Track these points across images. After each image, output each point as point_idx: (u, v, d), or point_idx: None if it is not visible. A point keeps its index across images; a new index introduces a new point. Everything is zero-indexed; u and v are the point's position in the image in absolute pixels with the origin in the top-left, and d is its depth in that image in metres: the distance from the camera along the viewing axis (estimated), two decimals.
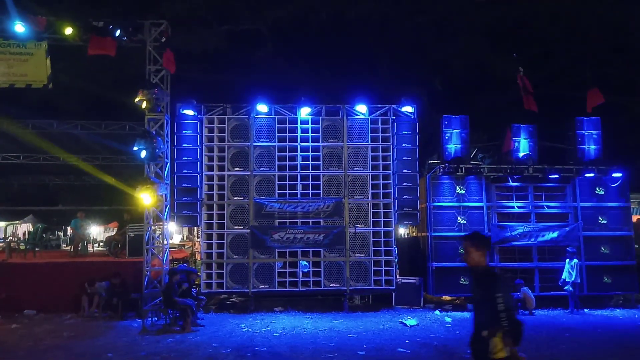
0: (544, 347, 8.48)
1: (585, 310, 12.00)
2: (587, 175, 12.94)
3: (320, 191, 12.30)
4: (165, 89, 11.50)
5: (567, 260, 11.91)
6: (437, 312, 11.79)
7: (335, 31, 18.17)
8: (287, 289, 11.90)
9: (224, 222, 12.09)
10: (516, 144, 13.08)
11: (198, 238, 15.05)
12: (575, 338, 9.25)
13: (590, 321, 10.94)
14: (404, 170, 12.48)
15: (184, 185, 12.12)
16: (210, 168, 12.36)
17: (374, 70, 18.61)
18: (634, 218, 13.62)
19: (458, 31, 18.05)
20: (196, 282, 11.86)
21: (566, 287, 11.85)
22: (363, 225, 12.23)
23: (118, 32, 11.07)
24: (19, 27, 11.00)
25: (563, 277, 11.83)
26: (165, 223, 11.55)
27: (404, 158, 12.53)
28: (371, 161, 12.47)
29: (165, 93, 11.43)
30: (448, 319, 10.94)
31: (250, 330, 9.82)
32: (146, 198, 10.63)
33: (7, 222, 21.73)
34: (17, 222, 21.77)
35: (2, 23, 11.17)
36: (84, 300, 11.27)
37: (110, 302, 11.19)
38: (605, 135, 13.24)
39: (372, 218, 12.27)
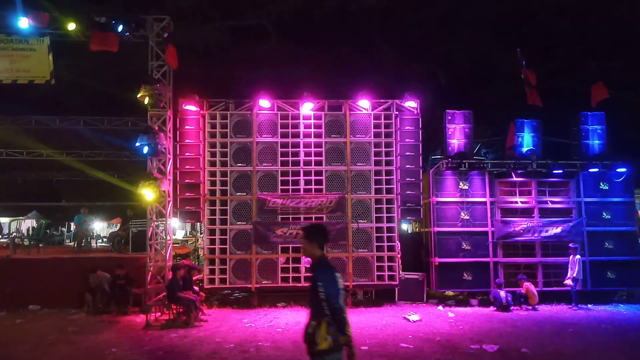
0: (547, 342, 8.49)
1: (589, 305, 11.99)
2: (591, 170, 12.89)
3: (323, 187, 12.28)
4: (167, 84, 11.50)
5: (570, 256, 11.91)
6: (440, 307, 11.78)
7: (339, 26, 18.11)
8: (290, 284, 11.91)
9: (226, 218, 12.09)
10: (520, 139, 13.03)
11: (201, 234, 15.08)
12: (579, 333, 9.24)
13: (594, 316, 10.92)
14: (407, 166, 12.45)
15: (186, 181, 12.14)
16: (213, 164, 12.35)
17: (377, 65, 18.54)
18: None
19: (462, 25, 17.96)
20: (199, 278, 11.89)
21: (566, 282, 11.87)
22: (366, 221, 12.23)
23: (120, 28, 11.06)
24: (23, 23, 10.99)
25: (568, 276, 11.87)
26: (168, 219, 11.57)
27: (407, 153, 12.49)
28: (374, 156, 12.44)
29: (167, 88, 11.43)
30: (451, 314, 10.94)
31: (253, 325, 9.84)
32: (148, 194, 10.66)
33: (11, 218, 21.82)
34: (21, 218, 21.86)
35: (5, 19, 11.18)
36: (87, 297, 11.31)
37: (113, 296, 11.24)
38: (610, 130, 13.18)
39: (375, 214, 12.26)
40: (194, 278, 11.24)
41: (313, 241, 4.03)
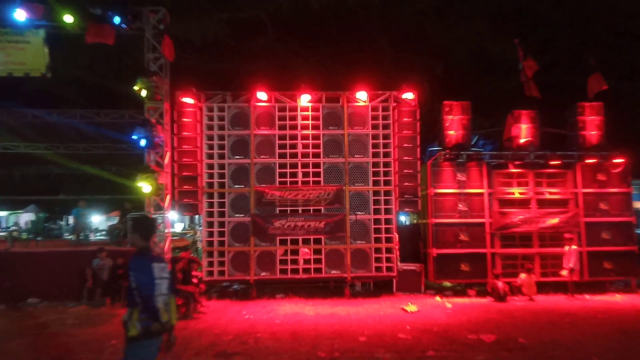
0: (544, 332, 8.54)
1: (586, 295, 12.06)
2: (588, 161, 12.90)
3: (321, 179, 12.28)
4: (164, 77, 11.46)
5: (567, 246, 11.95)
6: (437, 298, 11.83)
7: (336, 17, 18.00)
8: (289, 276, 11.95)
9: (225, 211, 12.10)
10: (517, 130, 13.02)
11: (200, 227, 15.12)
12: (576, 323, 9.29)
13: (590, 306, 10.96)
14: (405, 157, 12.43)
15: (184, 173, 12.12)
16: (211, 156, 12.33)
17: (375, 56, 18.47)
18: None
19: (460, 16, 17.88)
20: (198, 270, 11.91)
21: (562, 272, 11.92)
22: (364, 213, 12.24)
23: (116, 20, 10.98)
24: (20, 15, 10.90)
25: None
26: (166, 211, 11.57)
27: (405, 145, 12.46)
28: (372, 148, 12.42)
29: (164, 81, 11.38)
30: (449, 305, 10.99)
31: (251, 317, 9.88)
32: (146, 187, 10.65)
33: (9, 212, 21.85)
34: (19, 211, 21.88)
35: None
36: (87, 274, 11.29)
37: (110, 286, 11.25)
38: (608, 121, 13.16)
39: (373, 205, 12.27)
40: (192, 273, 11.25)
41: (136, 232, 4.20)
